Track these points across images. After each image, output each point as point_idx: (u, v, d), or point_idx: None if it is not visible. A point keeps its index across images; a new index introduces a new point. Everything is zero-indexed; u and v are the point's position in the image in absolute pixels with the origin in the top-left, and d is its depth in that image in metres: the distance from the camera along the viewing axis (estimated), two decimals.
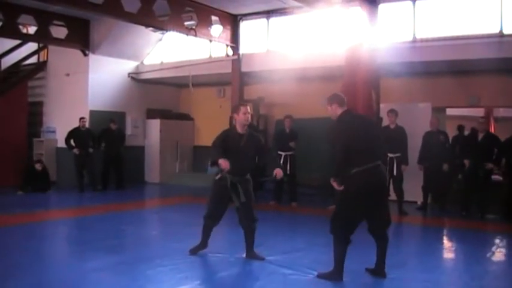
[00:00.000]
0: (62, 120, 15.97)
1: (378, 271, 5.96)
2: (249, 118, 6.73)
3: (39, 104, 16.89)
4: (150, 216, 11.84)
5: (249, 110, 6.75)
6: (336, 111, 5.93)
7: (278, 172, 6.69)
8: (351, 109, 6.02)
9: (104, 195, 14.02)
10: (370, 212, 5.77)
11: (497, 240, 8.73)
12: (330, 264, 6.10)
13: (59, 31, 14.75)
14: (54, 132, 16.34)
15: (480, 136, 10.93)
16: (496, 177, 11.53)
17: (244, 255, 6.89)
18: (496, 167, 10.87)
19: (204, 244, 7.10)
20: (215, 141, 6.71)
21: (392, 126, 11.15)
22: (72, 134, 14.40)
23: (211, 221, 6.96)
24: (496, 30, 11.43)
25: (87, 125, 14.73)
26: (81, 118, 14.52)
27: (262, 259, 6.79)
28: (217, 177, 6.75)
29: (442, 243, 8.41)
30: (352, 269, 5.92)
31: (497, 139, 11.17)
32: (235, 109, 6.83)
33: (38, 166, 14.39)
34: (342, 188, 5.75)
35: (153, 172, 17.43)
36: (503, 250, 8.12)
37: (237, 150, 6.59)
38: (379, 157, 5.79)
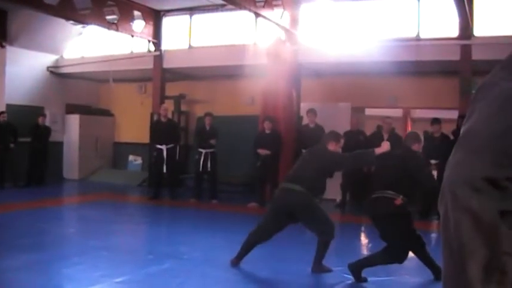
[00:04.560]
0: None
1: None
2: None
3: None
4: (68, 214, 11.65)
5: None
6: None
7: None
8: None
9: (22, 191, 13.60)
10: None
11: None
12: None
13: None
14: None
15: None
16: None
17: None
18: None
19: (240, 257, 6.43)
20: None
21: (312, 125, 11.49)
22: None
23: (255, 238, 6.39)
24: (414, 34, 11.87)
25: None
26: (1, 112, 14.10)
27: (330, 271, 6.23)
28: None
29: (364, 240, 8.63)
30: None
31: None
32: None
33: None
34: None
35: (72, 168, 17.03)
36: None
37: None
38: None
